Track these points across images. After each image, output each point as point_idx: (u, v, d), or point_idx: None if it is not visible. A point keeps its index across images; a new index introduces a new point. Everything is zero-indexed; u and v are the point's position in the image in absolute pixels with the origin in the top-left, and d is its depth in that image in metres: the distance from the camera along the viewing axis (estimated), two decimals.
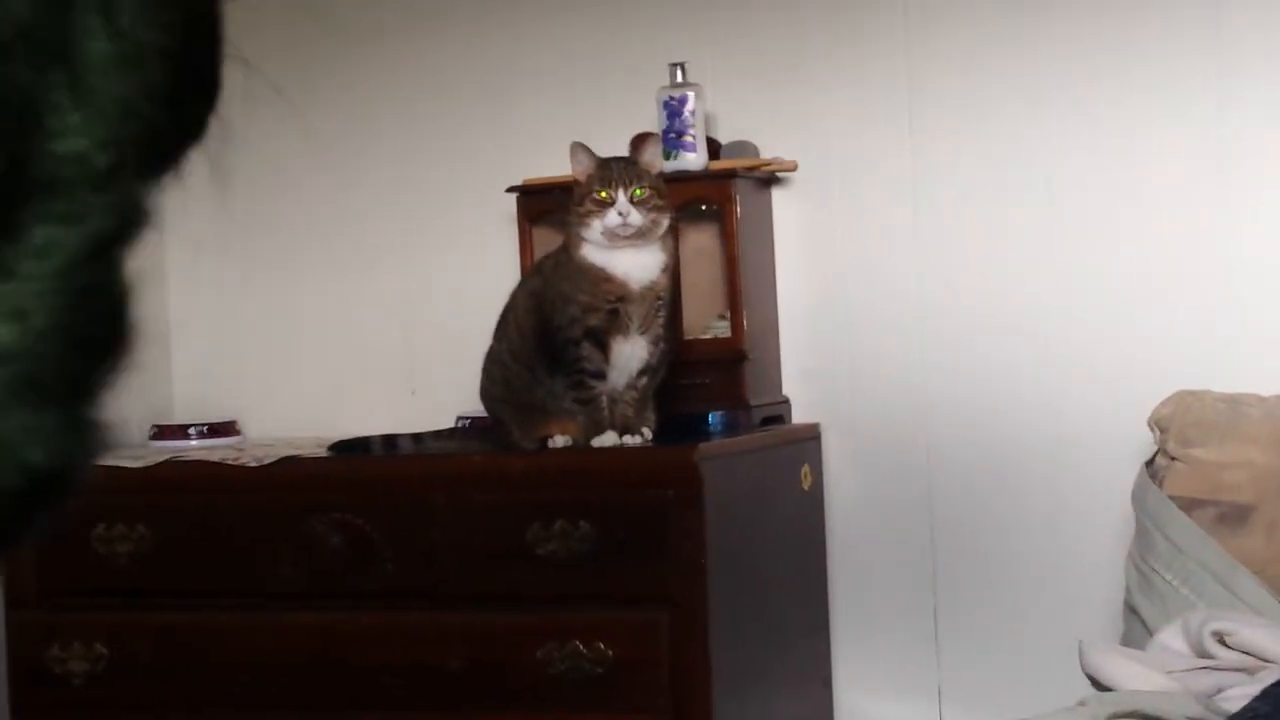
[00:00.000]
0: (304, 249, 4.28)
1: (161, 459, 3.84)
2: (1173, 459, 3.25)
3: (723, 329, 3.77)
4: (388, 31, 4.20)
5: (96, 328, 0.67)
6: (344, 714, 3.62)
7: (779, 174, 3.89)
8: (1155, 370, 3.57)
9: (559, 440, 3.55)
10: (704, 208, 3.78)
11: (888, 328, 3.84)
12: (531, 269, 3.75)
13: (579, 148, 3.54)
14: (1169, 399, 3.32)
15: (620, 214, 3.48)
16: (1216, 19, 3.62)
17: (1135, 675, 2.79)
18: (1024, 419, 3.76)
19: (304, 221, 4.29)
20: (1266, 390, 3.37)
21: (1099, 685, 2.83)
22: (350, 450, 3.80)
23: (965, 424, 3.79)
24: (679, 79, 3.77)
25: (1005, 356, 3.77)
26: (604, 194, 3.50)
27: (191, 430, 4.10)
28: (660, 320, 3.55)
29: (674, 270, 3.59)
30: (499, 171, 3.95)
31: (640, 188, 3.50)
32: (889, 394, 3.85)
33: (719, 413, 3.71)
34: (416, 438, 3.80)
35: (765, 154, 3.86)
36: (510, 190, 3.86)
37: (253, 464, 3.73)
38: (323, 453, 3.79)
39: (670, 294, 3.58)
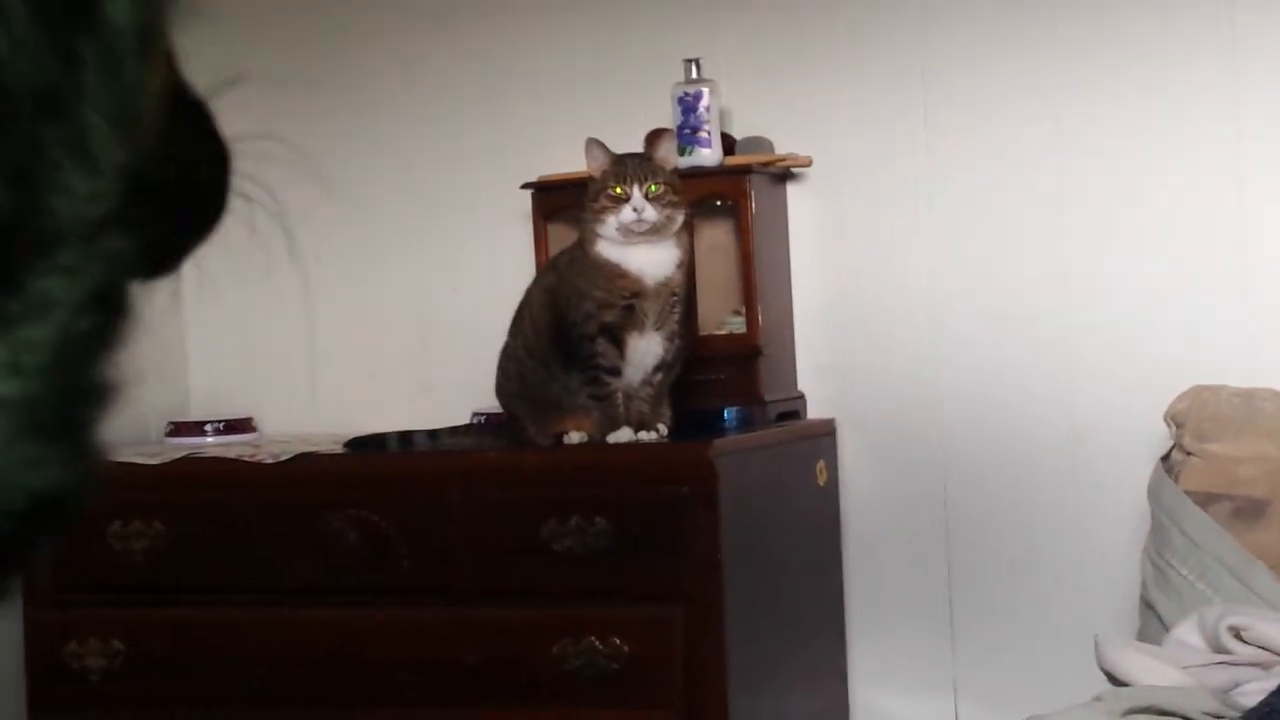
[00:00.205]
0: (319, 246, 4.28)
1: (178, 456, 3.85)
2: (1188, 454, 3.25)
3: (738, 325, 3.77)
4: (402, 28, 4.20)
5: (94, 370, 0.69)
6: (359, 709, 3.63)
7: (794, 170, 3.89)
8: (1170, 365, 3.57)
9: (574, 436, 3.55)
10: (719, 203, 3.79)
11: (902, 323, 3.84)
12: (547, 265, 3.75)
13: (594, 144, 3.54)
14: (1184, 394, 3.31)
15: (635, 210, 3.48)
16: (1231, 17, 3.62)
17: (1151, 670, 2.79)
18: (1039, 414, 3.75)
19: (319, 218, 4.29)
20: None
21: (1115, 680, 2.82)
22: (366, 447, 3.80)
23: (980, 419, 3.79)
24: (694, 75, 3.77)
25: (1019, 352, 3.77)
26: (619, 190, 3.50)
27: (208, 427, 4.11)
28: (675, 316, 3.55)
29: (689, 266, 3.59)
30: (514, 168, 3.95)
31: (655, 184, 3.50)
32: (904, 389, 3.85)
33: (734, 408, 3.71)
34: (432, 434, 3.81)
35: (780, 150, 3.87)
36: (525, 187, 3.87)
37: (269, 460, 3.74)
38: (338, 449, 3.79)
39: (685, 290, 3.58)
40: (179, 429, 4.10)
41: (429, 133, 4.19)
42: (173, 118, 0.73)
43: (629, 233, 3.50)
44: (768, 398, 3.75)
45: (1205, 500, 3.19)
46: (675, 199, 3.52)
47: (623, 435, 3.51)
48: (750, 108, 3.92)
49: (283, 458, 3.74)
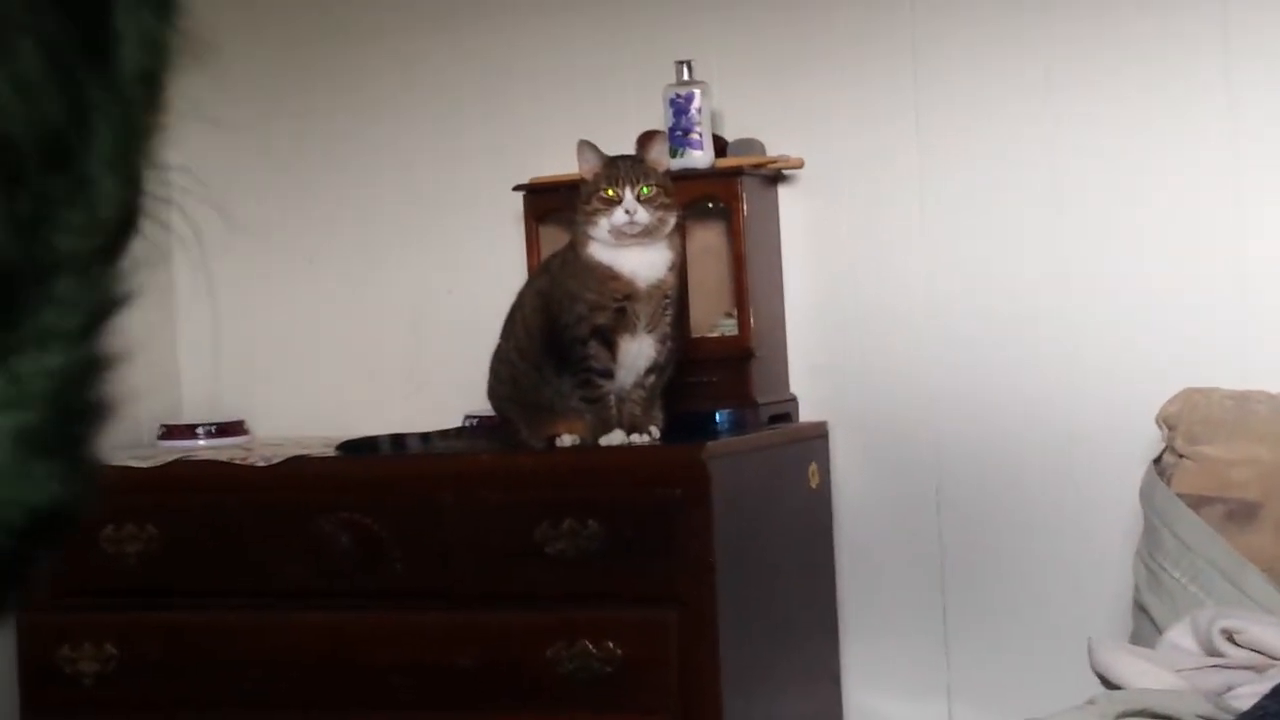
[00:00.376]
0: (311, 248, 4.28)
1: (170, 459, 3.84)
2: (1181, 456, 3.25)
3: (730, 327, 3.77)
4: (393, 31, 4.20)
5: (92, 393, 0.71)
6: (353, 714, 3.63)
7: (786, 171, 3.89)
8: (1163, 367, 3.57)
9: (567, 439, 3.55)
10: (711, 205, 3.78)
11: (895, 325, 3.84)
12: (539, 268, 3.75)
13: (586, 146, 3.54)
14: (1177, 396, 3.31)
15: (627, 212, 3.48)
16: (1224, 19, 3.62)
17: (1144, 673, 2.79)
18: (1032, 417, 3.75)
19: (311, 221, 4.29)
20: (1275, 387, 3.37)
21: (1108, 683, 2.83)
22: (358, 450, 3.80)
23: (973, 421, 3.79)
24: (685, 76, 3.77)
25: (1013, 354, 3.77)
26: (611, 192, 3.49)
27: (200, 430, 4.11)
28: (667, 318, 3.55)
29: (681, 268, 3.58)
30: (506, 170, 3.95)
31: (647, 186, 3.50)
32: (896, 391, 3.84)
33: (726, 411, 3.71)
34: (424, 437, 3.80)
35: (772, 151, 3.86)
36: (517, 189, 3.87)
37: (261, 464, 3.73)
38: (331, 452, 3.79)
39: (677, 292, 3.57)
40: (171, 432, 4.10)
41: (420, 136, 4.19)
42: None
43: (621, 235, 3.49)
44: (760, 400, 3.75)
45: (1197, 503, 3.19)
46: (667, 201, 3.51)
47: (615, 438, 3.51)
48: (742, 109, 3.92)
49: (275, 461, 3.74)
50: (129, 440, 4.04)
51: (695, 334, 3.75)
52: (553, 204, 3.79)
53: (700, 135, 3.74)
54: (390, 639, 3.59)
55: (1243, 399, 3.30)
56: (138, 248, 0.72)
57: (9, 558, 0.68)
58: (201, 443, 4.06)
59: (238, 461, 3.77)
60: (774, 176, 3.88)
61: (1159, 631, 3.02)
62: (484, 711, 3.52)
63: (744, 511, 3.54)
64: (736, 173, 3.74)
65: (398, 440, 3.80)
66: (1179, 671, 2.79)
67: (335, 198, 4.26)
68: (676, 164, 3.68)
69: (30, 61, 0.64)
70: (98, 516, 3.71)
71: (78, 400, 0.69)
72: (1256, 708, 2.58)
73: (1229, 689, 2.76)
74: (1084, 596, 3.69)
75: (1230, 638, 2.84)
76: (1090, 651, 2.89)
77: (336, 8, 4.26)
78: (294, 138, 4.27)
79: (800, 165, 3.87)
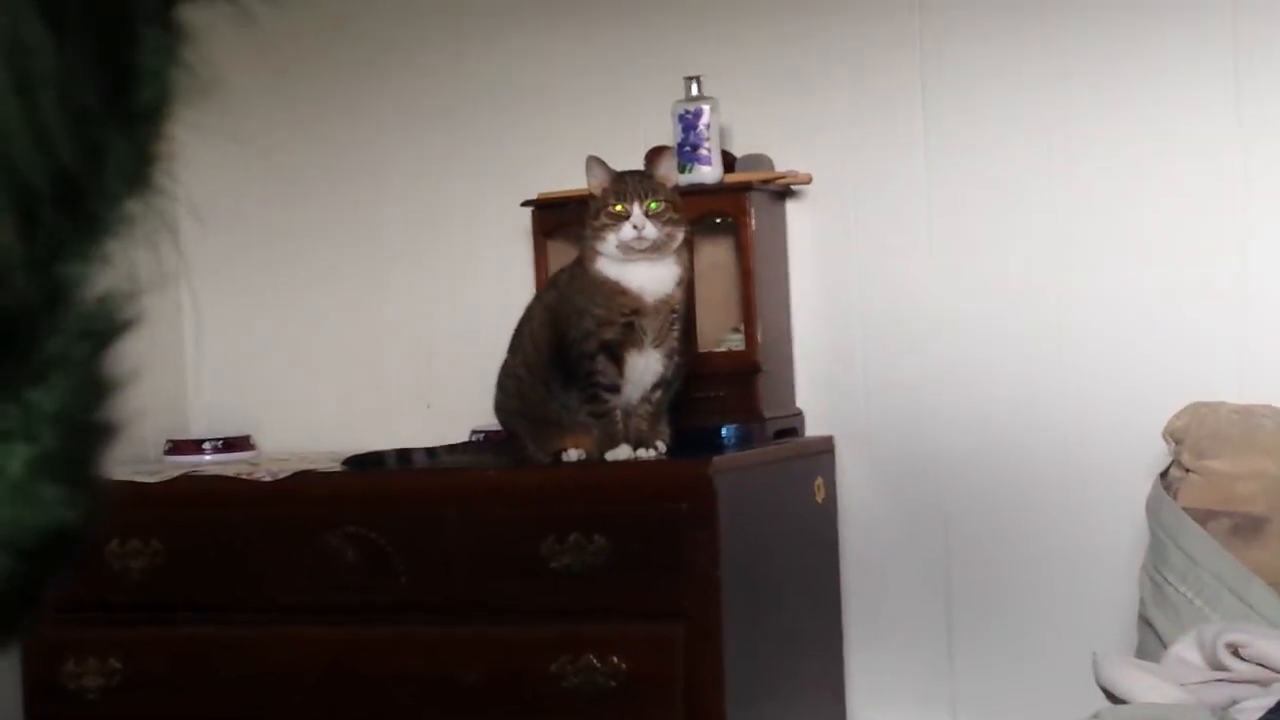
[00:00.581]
0: (319, 263, 4.29)
1: (176, 474, 3.84)
2: (1187, 470, 3.24)
3: (737, 342, 3.77)
4: (402, 47, 4.21)
5: (100, 416, 0.72)
6: None
7: (793, 187, 3.89)
8: (1169, 382, 3.57)
9: (573, 454, 3.55)
10: (719, 221, 3.79)
11: (901, 340, 3.84)
12: (547, 283, 3.75)
13: (594, 161, 3.54)
14: (1183, 410, 3.31)
15: (635, 227, 3.48)
16: (1234, 33, 3.62)
17: (1150, 688, 2.78)
18: (1038, 431, 3.75)
19: (319, 236, 4.30)
20: None
21: (1113, 698, 2.82)
22: (364, 464, 3.80)
23: (979, 436, 3.79)
24: (694, 92, 3.77)
25: (1019, 369, 3.76)
26: (619, 207, 3.50)
27: (206, 445, 4.11)
28: (675, 333, 3.55)
29: (689, 283, 3.59)
30: (514, 185, 3.95)
31: (655, 201, 3.50)
32: (902, 406, 3.84)
33: (733, 426, 3.71)
34: (431, 452, 3.80)
35: (780, 167, 3.87)
36: (525, 204, 3.87)
37: (267, 478, 3.73)
38: (337, 467, 3.79)
39: (685, 307, 3.58)
40: (177, 447, 4.10)
41: (429, 151, 4.19)
42: None
43: (629, 250, 3.50)
44: (766, 415, 3.75)
45: (1204, 517, 3.18)
46: (675, 216, 3.52)
47: (621, 453, 3.51)
48: (750, 125, 3.92)
49: (281, 476, 3.74)
50: (135, 455, 4.04)
51: (702, 349, 3.75)
52: (561, 219, 3.80)
53: (709, 151, 3.75)
54: (395, 653, 3.58)
55: (1249, 413, 3.30)
56: (143, 270, 0.72)
57: (20, 580, 0.69)
58: (208, 458, 4.07)
59: (244, 476, 3.77)
60: (782, 192, 3.88)
61: (1164, 646, 3.02)
62: None
63: (750, 526, 3.53)
64: (745, 188, 3.74)
65: (404, 455, 3.80)
66: (1184, 686, 2.79)
67: (343, 213, 4.27)
68: (685, 179, 3.69)
69: (51, 112, 0.65)
70: (104, 532, 3.71)
71: (86, 424, 0.70)
72: None
73: (1234, 703, 2.75)
74: (1089, 611, 3.69)
75: (1235, 652, 2.84)
76: (1095, 666, 2.88)
77: (346, 25, 4.26)
78: (302, 154, 4.28)
79: (808, 181, 3.87)
